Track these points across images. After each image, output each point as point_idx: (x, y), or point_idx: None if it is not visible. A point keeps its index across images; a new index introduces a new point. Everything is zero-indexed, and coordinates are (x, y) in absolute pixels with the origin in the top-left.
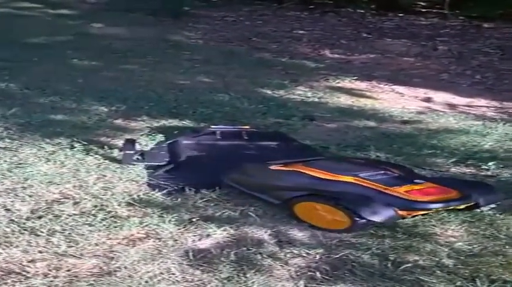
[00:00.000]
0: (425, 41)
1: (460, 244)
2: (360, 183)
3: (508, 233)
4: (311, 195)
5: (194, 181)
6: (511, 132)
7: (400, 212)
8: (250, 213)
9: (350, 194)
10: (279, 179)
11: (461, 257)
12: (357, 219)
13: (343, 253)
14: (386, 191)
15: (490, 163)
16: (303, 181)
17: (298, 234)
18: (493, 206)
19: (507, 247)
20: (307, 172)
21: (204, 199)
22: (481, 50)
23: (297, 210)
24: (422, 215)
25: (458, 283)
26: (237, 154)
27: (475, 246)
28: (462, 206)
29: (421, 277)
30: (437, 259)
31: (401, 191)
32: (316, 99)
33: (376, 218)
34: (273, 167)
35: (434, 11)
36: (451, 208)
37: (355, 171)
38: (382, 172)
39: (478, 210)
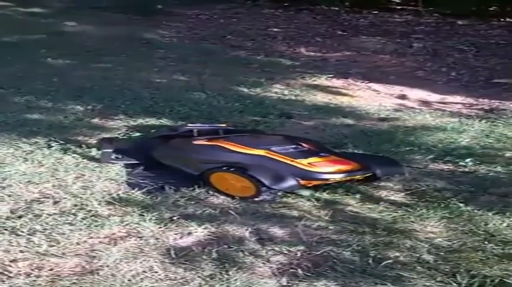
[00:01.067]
0: (400, 38)
1: (439, 239)
2: (270, 156)
3: (487, 229)
4: (223, 166)
5: (174, 179)
6: (487, 129)
7: (302, 182)
8: (231, 211)
9: (257, 166)
10: (200, 152)
11: (441, 253)
12: (261, 187)
13: (323, 250)
14: (291, 163)
15: (467, 160)
16: (220, 154)
17: (278, 231)
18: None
19: (486, 242)
20: (225, 146)
21: (184, 198)
22: (455, 47)
23: (212, 180)
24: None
25: (439, 279)
26: None
27: (454, 242)
28: (360, 177)
29: (401, 273)
30: (417, 255)
31: (304, 163)
32: (293, 97)
33: (278, 186)
34: (196, 142)
35: (408, 8)
36: (349, 178)
37: (268, 145)
38: (294, 146)
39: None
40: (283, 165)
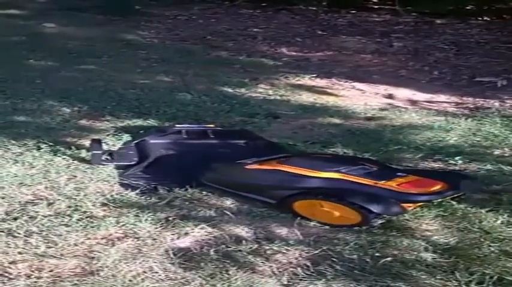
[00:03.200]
0: (380, 37)
1: (436, 237)
2: (348, 179)
3: (481, 227)
4: (308, 193)
5: (167, 180)
6: (474, 128)
7: (404, 205)
8: (226, 211)
9: (351, 191)
10: (263, 179)
11: (439, 251)
12: (368, 214)
13: (321, 249)
14: (378, 186)
15: (456, 158)
16: (291, 179)
17: (275, 231)
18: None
19: (482, 239)
20: (288, 170)
21: (178, 198)
22: (436, 46)
23: (298, 208)
24: (421, 207)
25: (439, 277)
26: (208, 152)
27: (450, 239)
28: (453, 196)
29: (401, 271)
30: (415, 253)
31: (393, 185)
32: (278, 97)
33: (386, 212)
34: (248, 167)
35: (386, 7)
36: (447, 198)
37: (334, 167)
38: (360, 166)
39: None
40: (374, 189)
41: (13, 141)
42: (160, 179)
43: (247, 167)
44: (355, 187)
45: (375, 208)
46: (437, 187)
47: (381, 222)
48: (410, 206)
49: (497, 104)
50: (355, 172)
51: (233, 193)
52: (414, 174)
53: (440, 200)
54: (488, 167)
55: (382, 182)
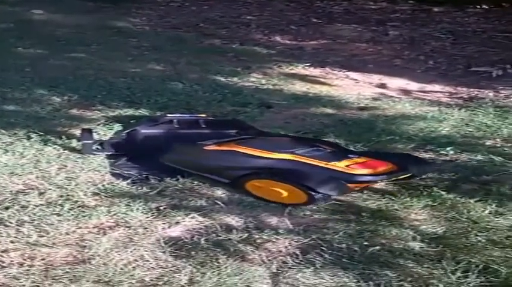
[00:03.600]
0: (376, 26)
1: (424, 227)
2: (300, 160)
3: (469, 216)
4: (260, 173)
5: (158, 170)
6: (467, 118)
7: (351, 186)
8: (216, 201)
9: (299, 171)
10: (219, 159)
11: (426, 240)
12: (314, 194)
13: (311, 238)
14: (328, 167)
15: (448, 148)
16: (244, 160)
17: (265, 220)
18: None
19: (469, 229)
20: (243, 151)
21: (170, 188)
22: (432, 35)
23: (250, 188)
24: (366, 190)
25: (426, 265)
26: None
27: (438, 229)
28: (400, 177)
29: (389, 260)
30: (403, 242)
31: (341, 165)
32: (271, 87)
33: (332, 192)
34: (207, 148)
35: None
36: (392, 180)
37: (289, 148)
38: (315, 148)
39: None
40: (323, 169)
41: (3, 131)
42: (152, 168)
43: (205, 147)
44: (305, 168)
45: (320, 188)
46: (384, 168)
47: (327, 203)
48: (357, 186)
49: (491, 94)
50: (309, 153)
51: (192, 173)
52: (367, 156)
53: (387, 181)
54: (479, 157)
55: (332, 163)
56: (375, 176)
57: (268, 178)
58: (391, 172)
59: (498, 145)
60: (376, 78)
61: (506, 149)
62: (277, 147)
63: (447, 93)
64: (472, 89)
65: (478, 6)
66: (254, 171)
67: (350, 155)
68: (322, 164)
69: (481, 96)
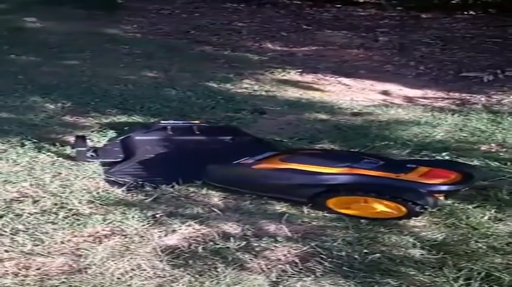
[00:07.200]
0: (365, 32)
1: (423, 233)
2: (368, 173)
3: (468, 223)
4: (343, 190)
5: (154, 177)
6: (461, 123)
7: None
8: (213, 208)
9: (381, 185)
10: (282, 178)
11: (427, 247)
12: (413, 206)
13: (310, 245)
14: (401, 178)
15: (443, 154)
16: (312, 178)
17: (263, 227)
18: None
19: (469, 235)
20: (301, 168)
21: (165, 195)
22: (421, 41)
23: (333, 205)
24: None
25: (427, 273)
26: (195, 149)
27: (438, 236)
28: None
29: (389, 268)
30: (403, 249)
31: (415, 176)
32: (264, 93)
33: (427, 203)
34: (255, 167)
35: (371, 1)
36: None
37: (341, 162)
38: (366, 160)
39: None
40: (404, 182)
41: None
42: (148, 175)
43: (254, 167)
44: (382, 181)
45: (418, 200)
46: (454, 176)
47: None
48: (440, 197)
49: (483, 99)
50: (366, 165)
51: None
52: (424, 165)
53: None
54: (475, 162)
55: (402, 174)
56: (452, 185)
57: (357, 194)
58: (460, 182)
59: (493, 150)
60: (368, 84)
61: (501, 154)
62: (328, 162)
63: (439, 99)
64: (464, 94)
65: (466, 13)
66: (332, 187)
67: (408, 166)
68: (393, 176)
69: (474, 101)
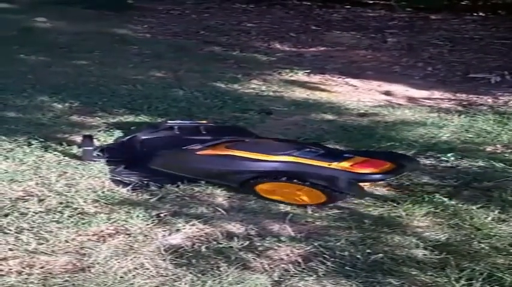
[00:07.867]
0: (374, 33)
1: (427, 234)
2: (302, 161)
3: (472, 223)
4: (269, 176)
5: (158, 177)
6: (467, 124)
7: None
8: (217, 207)
9: (309, 172)
10: (220, 164)
11: (430, 247)
12: (332, 193)
13: (313, 245)
14: (333, 167)
15: (449, 155)
16: (248, 164)
17: (267, 227)
18: None
19: (472, 236)
20: (241, 155)
21: (170, 195)
22: (430, 42)
23: (260, 191)
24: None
25: (429, 273)
26: None
27: (441, 236)
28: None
29: (392, 268)
30: (406, 250)
31: (346, 165)
32: (271, 93)
33: (349, 191)
34: (199, 153)
35: (381, 2)
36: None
37: (283, 151)
38: (307, 149)
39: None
40: (331, 170)
41: (3, 137)
42: (153, 175)
43: (198, 153)
44: (312, 169)
45: (338, 188)
46: (387, 167)
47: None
48: (366, 185)
49: (490, 100)
50: (305, 154)
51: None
52: (361, 155)
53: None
54: (480, 163)
55: (334, 163)
56: (382, 175)
57: (281, 180)
58: (393, 171)
59: (498, 151)
60: (376, 84)
61: (506, 155)
62: (271, 150)
63: (446, 100)
64: (471, 96)
65: (475, 14)
66: (262, 174)
67: (345, 155)
68: (325, 164)
69: (480, 102)
